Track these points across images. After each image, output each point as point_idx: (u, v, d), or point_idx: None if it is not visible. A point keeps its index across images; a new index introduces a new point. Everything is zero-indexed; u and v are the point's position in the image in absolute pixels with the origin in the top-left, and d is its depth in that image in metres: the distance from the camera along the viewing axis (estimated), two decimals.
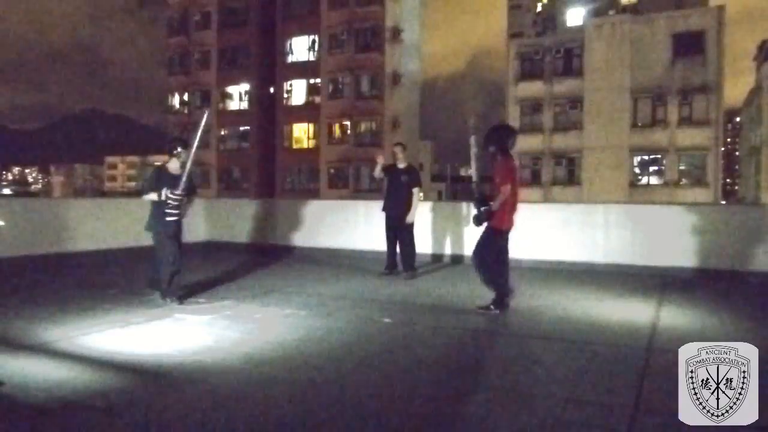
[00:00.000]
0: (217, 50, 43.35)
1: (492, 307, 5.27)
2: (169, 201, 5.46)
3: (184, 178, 5.51)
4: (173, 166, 5.72)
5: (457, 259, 8.99)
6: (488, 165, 5.46)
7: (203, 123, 5.92)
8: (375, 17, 38.58)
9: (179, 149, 5.68)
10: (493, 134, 5.28)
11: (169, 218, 5.52)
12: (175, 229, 5.64)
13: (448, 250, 9.13)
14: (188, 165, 5.56)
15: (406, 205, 7.43)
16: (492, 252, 5.26)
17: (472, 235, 8.81)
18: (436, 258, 9.14)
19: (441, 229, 9.13)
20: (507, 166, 5.17)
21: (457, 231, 8.99)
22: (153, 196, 5.55)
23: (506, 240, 5.39)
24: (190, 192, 5.72)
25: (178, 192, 5.46)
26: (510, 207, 5.22)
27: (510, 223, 5.28)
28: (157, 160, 65.26)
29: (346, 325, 4.90)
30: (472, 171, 5.67)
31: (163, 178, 5.61)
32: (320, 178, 40.21)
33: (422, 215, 8.86)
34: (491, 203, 5.17)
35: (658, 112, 31.22)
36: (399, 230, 7.54)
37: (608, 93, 31.92)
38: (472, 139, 5.75)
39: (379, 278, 7.46)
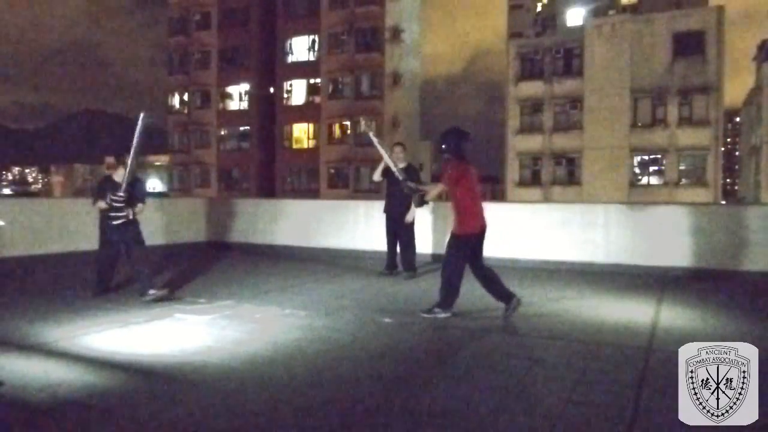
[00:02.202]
0: (217, 50, 43.33)
1: (437, 310, 5.14)
2: (113, 205, 5.72)
3: (124, 184, 5.73)
4: (119, 173, 5.86)
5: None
6: (442, 168, 5.59)
7: (139, 128, 5.78)
8: (375, 17, 38.58)
9: (126, 158, 5.82)
10: (447, 138, 5.22)
11: (114, 221, 5.80)
12: (132, 233, 5.90)
13: None
14: (127, 171, 5.74)
15: (407, 205, 7.43)
16: (458, 259, 5.17)
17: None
18: (437, 258, 9.13)
19: (442, 229, 9.12)
20: (459, 169, 5.11)
21: None
22: (101, 204, 5.81)
23: (475, 244, 5.19)
24: (133, 197, 5.86)
25: (120, 194, 5.69)
26: (470, 212, 5.10)
27: (474, 228, 5.13)
28: (157, 160, 65.20)
29: (346, 325, 4.90)
30: (389, 164, 6.59)
31: (106, 187, 5.83)
32: (320, 178, 40.21)
33: (423, 215, 8.86)
34: (421, 189, 5.73)
35: (658, 112, 31.21)
36: (399, 230, 7.55)
37: (608, 93, 31.91)
38: (373, 137, 6.57)
39: (379, 278, 7.46)
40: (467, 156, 5.25)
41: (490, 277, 5.24)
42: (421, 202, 5.88)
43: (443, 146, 5.22)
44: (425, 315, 5.15)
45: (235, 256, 9.90)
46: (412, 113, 42.03)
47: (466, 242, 5.14)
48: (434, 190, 5.58)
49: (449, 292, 5.16)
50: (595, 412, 2.99)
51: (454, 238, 5.19)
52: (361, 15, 38.72)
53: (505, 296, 5.21)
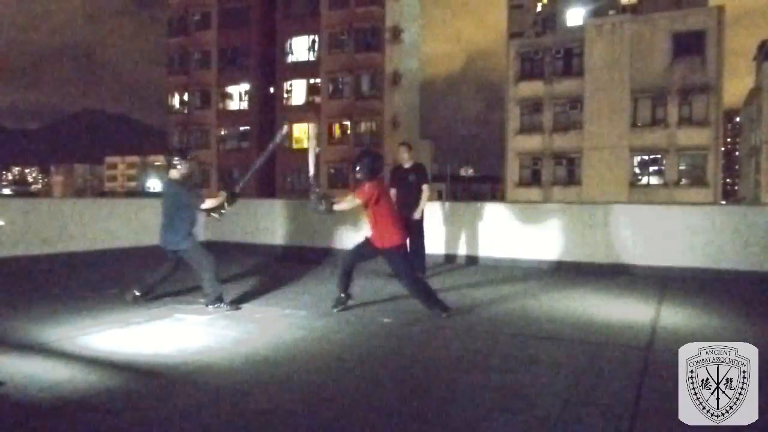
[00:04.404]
0: (217, 50, 43.34)
1: (444, 314, 5.20)
2: (234, 201, 5.53)
3: (241, 183, 5.71)
4: (174, 175, 5.57)
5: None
6: (357, 187, 5.58)
7: (277, 140, 6.18)
8: (375, 17, 38.58)
9: (177, 160, 5.55)
10: (362, 161, 5.46)
11: (218, 214, 5.52)
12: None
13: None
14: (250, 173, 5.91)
15: (416, 205, 7.39)
16: (408, 266, 5.47)
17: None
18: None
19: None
20: (378, 188, 5.37)
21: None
22: (212, 202, 5.48)
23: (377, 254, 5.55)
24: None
25: (238, 189, 5.60)
26: (393, 226, 5.41)
27: (400, 239, 5.43)
28: (157, 160, 65.19)
29: (345, 325, 4.90)
30: (311, 161, 6.10)
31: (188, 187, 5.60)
32: (320, 178, 40.22)
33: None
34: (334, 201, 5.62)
35: (658, 112, 31.20)
36: (409, 231, 7.51)
37: (608, 93, 31.90)
38: (278, 136, 6.46)
39: (378, 278, 7.45)
40: (379, 175, 5.49)
41: (351, 274, 5.55)
42: (329, 210, 5.66)
43: (357, 168, 5.46)
44: (444, 315, 5.23)
45: (235, 256, 9.89)
46: (412, 113, 42.03)
47: (401, 251, 5.45)
48: (345, 203, 5.59)
49: (428, 295, 5.33)
50: (595, 412, 2.99)
51: (390, 252, 5.40)
52: (361, 15, 38.73)
53: (344, 296, 5.49)
